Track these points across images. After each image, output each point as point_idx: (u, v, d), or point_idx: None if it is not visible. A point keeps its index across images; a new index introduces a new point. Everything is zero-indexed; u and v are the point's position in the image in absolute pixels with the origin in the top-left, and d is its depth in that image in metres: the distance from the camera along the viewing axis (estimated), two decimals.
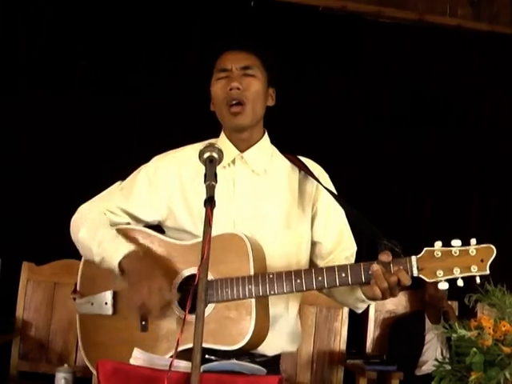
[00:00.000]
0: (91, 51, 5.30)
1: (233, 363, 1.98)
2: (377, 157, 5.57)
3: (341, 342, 4.85)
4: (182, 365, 1.87)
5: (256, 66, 2.52)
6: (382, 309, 5.20)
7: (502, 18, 5.90)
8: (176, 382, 1.83)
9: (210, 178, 2.07)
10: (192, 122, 4.94)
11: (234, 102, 2.46)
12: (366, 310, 5.12)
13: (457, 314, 5.07)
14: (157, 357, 2.01)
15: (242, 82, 2.47)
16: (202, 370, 1.79)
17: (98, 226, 2.49)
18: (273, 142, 2.68)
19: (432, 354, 4.98)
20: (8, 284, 4.71)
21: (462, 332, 2.05)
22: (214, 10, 5.45)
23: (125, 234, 2.50)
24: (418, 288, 5.15)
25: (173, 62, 5.43)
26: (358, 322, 5.03)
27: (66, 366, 4.17)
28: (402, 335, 5.04)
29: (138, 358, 1.98)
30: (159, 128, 5.22)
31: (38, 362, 4.59)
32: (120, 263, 2.37)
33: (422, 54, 5.70)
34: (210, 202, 2.00)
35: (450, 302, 5.10)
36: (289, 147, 2.67)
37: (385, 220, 5.16)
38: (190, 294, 1.94)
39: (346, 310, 4.84)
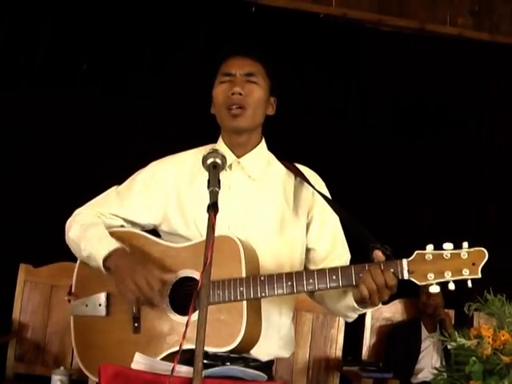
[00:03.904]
0: (93, 54, 5.30)
1: (234, 369, 1.98)
2: (376, 164, 5.57)
3: (337, 348, 4.84)
4: (184, 370, 1.87)
5: (259, 73, 2.55)
6: (378, 316, 5.19)
7: (503, 28, 5.91)
8: None
9: (214, 183, 2.09)
10: (193, 125, 4.95)
11: (234, 107, 2.49)
12: (363, 318, 5.11)
13: (453, 322, 5.06)
14: (158, 361, 2.02)
15: (245, 88, 2.49)
16: (203, 375, 1.79)
17: (89, 226, 2.51)
18: (271, 148, 2.70)
19: (428, 361, 4.98)
20: (5, 286, 4.71)
21: (462, 341, 2.06)
22: (216, 16, 5.45)
23: (118, 235, 2.51)
24: (414, 296, 5.16)
25: (174, 65, 5.42)
26: (354, 329, 5.02)
27: (62, 368, 4.18)
28: (399, 343, 5.04)
29: (139, 362, 1.98)
30: (160, 131, 5.23)
31: (34, 364, 4.58)
32: (104, 260, 2.38)
33: (423, 62, 5.69)
34: (213, 208, 2.01)
35: (446, 310, 5.10)
36: (288, 154, 2.68)
37: (382, 226, 5.20)
38: (193, 295, 1.95)
39: None
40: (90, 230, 2.49)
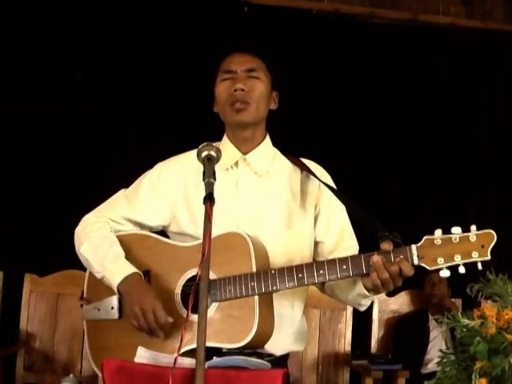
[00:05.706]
0: (87, 62, 5.32)
1: (238, 358, 1.98)
2: (373, 156, 5.57)
3: (345, 343, 4.84)
4: (187, 362, 1.87)
5: (261, 68, 2.55)
6: (385, 309, 5.18)
7: (495, 15, 5.92)
8: (180, 378, 1.84)
9: (209, 175, 2.08)
10: (190, 128, 4.96)
11: (238, 103, 2.48)
12: (370, 311, 5.11)
13: (460, 311, 5.04)
14: (161, 354, 2.01)
15: (247, 84, 2.49)
16: (206, 365, 1.78)
17: (100, 243, 2.50)
18: (274, 144, 2.70)
19: (437, 352, 4.95)
20: (11, 296, 4.71)
21: (466, 321, 2.05)
22: (209, 17, 5.46)
23: (127, 238, 2.52)
24: (420, 287, 5.15)
25: (169, 69, 5.44)
26: (362, 322, 5.02)
27: (71, 376, 4.17)
28: (407, 334, 5.03)
29: (142, 356, 1.99)
30: (157, 135, 5.24)
31: (43, 373, 4.58)
32: (118, 287, 2.38)
33: (416, 53, 5.71)
34: (209, 199, 2.01)
35: (453, 300, 5.10)
36: (286, 149, 2.69)
37: (384, 216, 5.19)
38: (192, 293, 1.93)
39: (349, 312, 4.82)
40: (102, 247, 2.48)
